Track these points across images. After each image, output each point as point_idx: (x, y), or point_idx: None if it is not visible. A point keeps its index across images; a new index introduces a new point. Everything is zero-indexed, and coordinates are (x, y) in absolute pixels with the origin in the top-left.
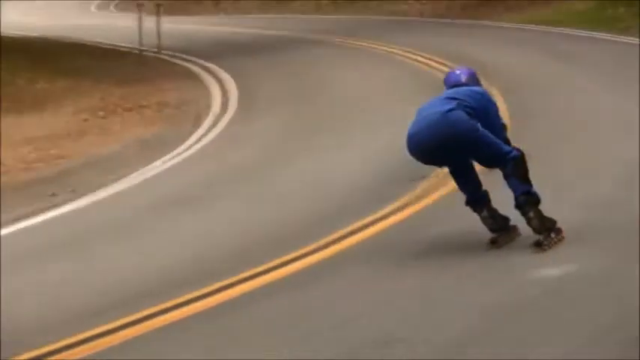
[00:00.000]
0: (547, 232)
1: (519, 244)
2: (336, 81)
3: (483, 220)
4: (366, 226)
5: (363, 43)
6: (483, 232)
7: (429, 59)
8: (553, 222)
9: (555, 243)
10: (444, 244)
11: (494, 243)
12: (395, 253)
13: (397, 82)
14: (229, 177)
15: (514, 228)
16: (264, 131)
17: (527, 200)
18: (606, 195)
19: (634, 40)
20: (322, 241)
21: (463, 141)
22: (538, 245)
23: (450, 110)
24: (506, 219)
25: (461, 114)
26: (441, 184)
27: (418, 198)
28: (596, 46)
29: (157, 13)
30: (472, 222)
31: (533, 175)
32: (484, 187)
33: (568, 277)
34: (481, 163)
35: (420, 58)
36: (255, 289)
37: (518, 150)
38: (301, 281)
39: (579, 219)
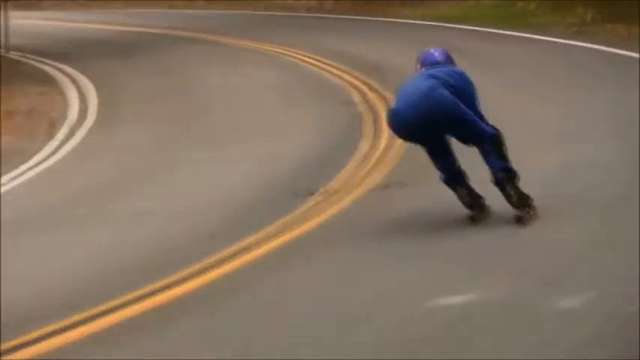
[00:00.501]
0: (525, 207)
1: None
2: (211, 86)
3: (460, 197)
4: (223, 260)
5: (245, 42)
6: (373, 253)
7: (317, 60)
8: (530, 198)
9: (534, 218)
10: (320, 283)
11: (473, 220)
12: (258, 293)
13: (282, 87)
14: (85, 195)
15: (487, 207)
16: (128, 142)
17: (506, 176)
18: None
19: (546, 38)
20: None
21: (448, 117)
22: (519, 220)
23: (435, 87)
24: (481, 197)
25: (445, 91)
26: (327, 205)
27: (298, 221)
28: (504, 45)
29: (4, 8)
30: (354, 249)
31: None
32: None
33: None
34: (461, 139)
35: (307, 59)
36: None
37: (495, 128)
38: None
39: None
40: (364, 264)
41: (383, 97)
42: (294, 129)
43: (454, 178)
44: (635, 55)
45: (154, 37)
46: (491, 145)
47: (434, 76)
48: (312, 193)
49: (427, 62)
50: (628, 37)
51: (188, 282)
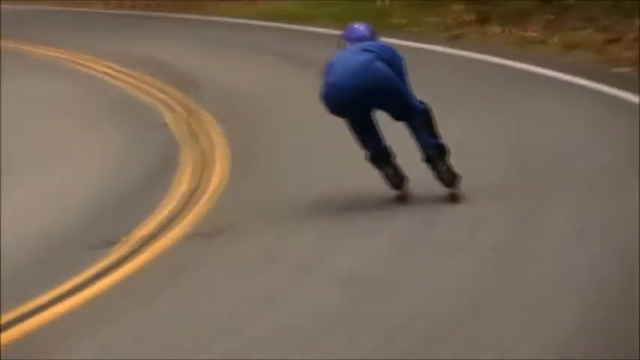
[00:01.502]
0: (456, 185)
1: None
2: None
3: (387, 176)
4: None
5: (18, 45)
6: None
7: (117, 70)
8: (459, 175)
9: (463, 197)
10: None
11: (402, 199)
12: None
13: (67, 104)
14: None
15: (409, 188)
16: None
17: (438, 153)
18: None
19: (404, 43)
20: None
21: (384, 90)
22: (454, 198)
23: (372, 60)
24: (405, 177)
25: (382, 64)
26: (129, 259)
27: (89, 282)
28: None
29: None
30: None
31: None
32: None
33: None
34: (393, 114)
35: (102, 69)
36: None
37: (424, 104)
38: None
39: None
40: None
41: (201, 118)
42: (88, 160)
43: (381, 155)
44: (531, 67)
45: None
46: (423, 120)
47: (368, 50)
48: (112, 244)
49: (353, 37)
50: (520, 43)
51: None
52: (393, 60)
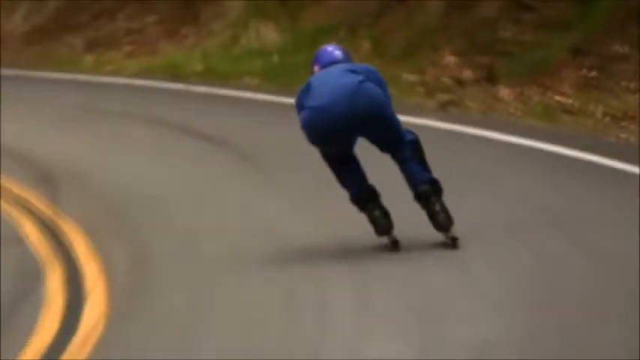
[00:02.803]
0: (451, 226)
1: None
2: None
3: (374, 219)
4: None
5: None
6: None
7: None
8: (452, 217)
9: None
10: None
11: (396, 244)
12: None
13: None
14: None
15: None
16: None
17: (432, 190)
18: None
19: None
20: None
21: (378, 114)
22: (454, 241)
23: (362, 81)
24: (390, 219)
25: (374, 85)
26: None
27: None
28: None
29: None
30: None
31: None
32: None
33: None
34: (382, 143)
35: None
36: None
37: (413, 132)
38: None
39: None
40: None
41: (65, 231)
42: None
43: (367, 195)
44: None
45: None
46: (413, 151)
47: (354, 71)
48: None
49: (325, 61)
50: (546, 112)
51: None
52: (379, 83)
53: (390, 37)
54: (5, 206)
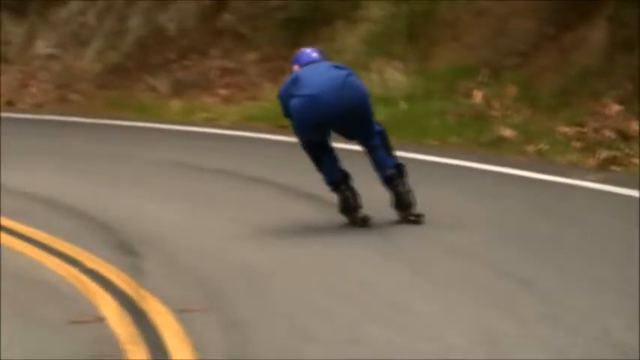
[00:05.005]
0: (414, 204)
1: None
2: None
3: (345, 199)
4: None
5: None
6: None
7: None
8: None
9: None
10: None
11: (366, 221)
12: None
13: None
14: None
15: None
16: None
17: (399, 173)
18: None
19: None
20: None
21: (362, 106)
22: (418, 218)
23: (349, 74)
24: (359, 201)
25: (358, 79)
26: None
27: None
28: None
29: None
30: None
31: None
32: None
33: None
34: (354, 132)
35: None
36: None
37: (380, 124)
38: None
39: None
40: None
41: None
42: None
43: (341, 179)
44: None
45: None
46: (381, 139)
47: (339, 67)
48: None
49: (305, 60)
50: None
51: None
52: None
53: (542, 81)
54: (79, 278)
